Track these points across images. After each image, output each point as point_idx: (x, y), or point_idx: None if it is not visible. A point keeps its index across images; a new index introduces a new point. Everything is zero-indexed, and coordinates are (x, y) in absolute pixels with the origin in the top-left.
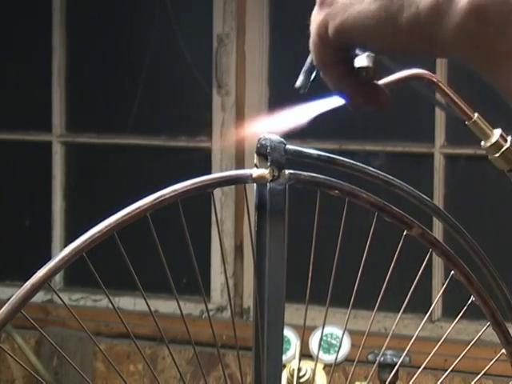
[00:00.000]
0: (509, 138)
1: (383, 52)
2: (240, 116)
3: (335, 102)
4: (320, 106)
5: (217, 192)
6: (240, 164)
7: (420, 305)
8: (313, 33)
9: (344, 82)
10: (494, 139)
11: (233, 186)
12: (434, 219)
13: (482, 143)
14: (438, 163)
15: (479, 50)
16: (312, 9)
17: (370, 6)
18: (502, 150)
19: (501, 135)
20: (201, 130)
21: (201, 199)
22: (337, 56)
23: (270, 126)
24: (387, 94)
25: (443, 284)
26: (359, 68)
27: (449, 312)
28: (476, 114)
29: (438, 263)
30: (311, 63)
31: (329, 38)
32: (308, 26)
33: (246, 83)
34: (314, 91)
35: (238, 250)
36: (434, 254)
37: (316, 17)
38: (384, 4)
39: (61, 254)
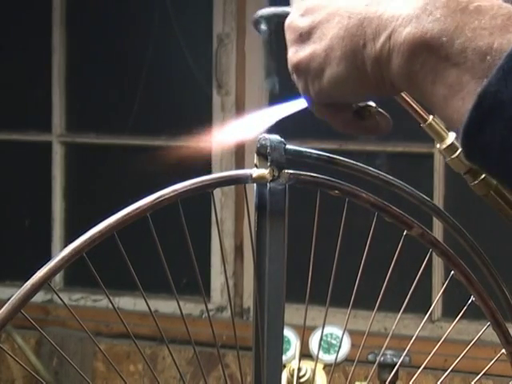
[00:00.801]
0: None
1: (362, 101)
2: (240, 116)
3: (300, 104)
4: (285, 109)
5: (217, 192)
6: (240, 164)
7: (420, 305)
8: (302, 95)
9: (348, 127)
10: (449, 141)
11: (233, 186)
12: (434, 219)
13: (438, 146)
14: (438, 163)
15: (416, 90)
16: None
17: (339, 67)
18: (458, 151)
19: (456, 137)
20: (201, 129)
21: (201, 199)
22: (331, 109)
23: (238, 132)
24: (389, 120)
25: (443, 284)
26: (360, 108)
27: (449, 312)
28: (431, 117)
29: (437, 263)
30: (268, 64)
31: (315, 100)
32: None
33: (246, 83)
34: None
35: (238, 250)
36: (433, 254)
37: (298, 83)
38: (349, 63)
39: (61, 254)
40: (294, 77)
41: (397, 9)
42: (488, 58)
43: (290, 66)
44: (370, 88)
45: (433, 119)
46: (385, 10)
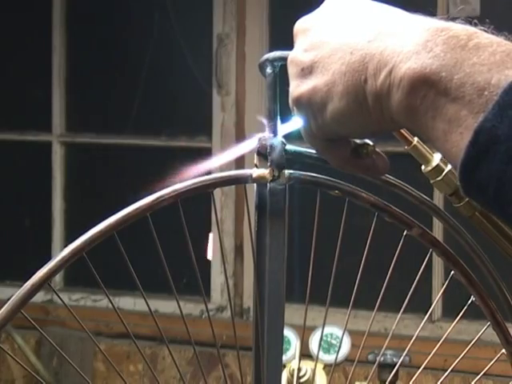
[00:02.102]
0: None
1: (363, 136)
2: (240, 116)
3: (293, 125)
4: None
5: (217, 192)
6: (240, 164)
7: (420, 305)
8: (302, 129)
9: (345, 164)
10: (434, 163)
11: (233, 186)
12: (434, 219)
13: (423, 168)
14: None
15: (416, 125)
16: (311, 10)
17: (340, 102)
18: (444, 173)
19: (441, 159)
20: (201, 129)
21: (201, 199)
22: (331, 145)
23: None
24: (386, 161)
25: (443, 284)
26: (358, 146)
27: (449, 312)
28: (416, 139)
29: (437, 263)
30: (272, 108)
31: (316, 135)
32: None
33: (246, 83)
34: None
35: (238, 250)
36: (433, 254)
37: (299, 115)
38: (351, 98)
39: (61, 254)
40: (295, 110)
41: (398, 45)
42: (486, 93)
43: (291, 100)
44: (371, 123)
45: (417, 141)
46: (386, 47)
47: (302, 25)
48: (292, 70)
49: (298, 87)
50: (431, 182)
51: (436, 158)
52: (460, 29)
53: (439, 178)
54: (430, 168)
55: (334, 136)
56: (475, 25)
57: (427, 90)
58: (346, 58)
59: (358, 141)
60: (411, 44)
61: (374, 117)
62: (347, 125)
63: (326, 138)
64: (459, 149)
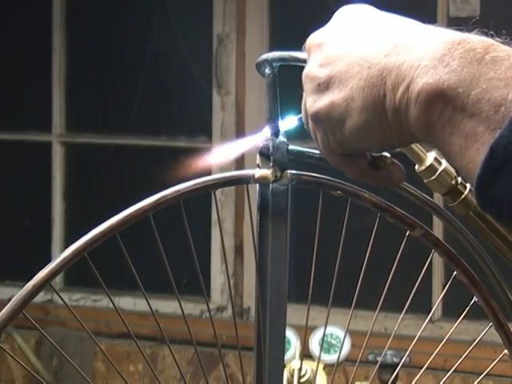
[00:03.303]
0: (443, 161)
1: (383, 150)
2: (240, 116)
3: (291, 122)
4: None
5: (217, 192)
6: (240, 165)
7: (420, 305)
8: (320, 145)
9: (363, 177)
10: (428, 162)
11: (233, 186)
12: (434, 220)
13: (417, 167)
14: None
15: (433, 139)
16: (311, 10)
17: (360, 117)
18: (437, 172)
19: (435, 158)
20: (201, 129)
21: (200, 199)
22: (348, 159)
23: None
24: (403, 171)
25: (443, 284)
26: (375, 158)
27: (449, 312)
28: None
29: (438, 263)
30: (272, 108)
31: (334, 150)
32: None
33: (246, 83)
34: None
35: (238, 250)
36: (434, 253)
37: (316, 133)
38: (371, 113)
39: (62, 255)
40: (311, 126)
41: (415, 59)
42: (502, 109)
43: (306, 116)
44: (391, 138)
45: None
46: (404, 61)
47: (316, 39)
48: (307, 86)
49: (315, 103)
50: (425, 181)
51: (430, 158)
52: (477, 41)
53: (433, 178)
54: (423, 167)
55: (353, 151)
56: (491, 36)
57: (444, 105)
58: (364, 73)
59: (374, 153)
60: (428, 58)
61: (393, 131)
62: (366, 139)
63: (344, 152)
64: (475, 164)
